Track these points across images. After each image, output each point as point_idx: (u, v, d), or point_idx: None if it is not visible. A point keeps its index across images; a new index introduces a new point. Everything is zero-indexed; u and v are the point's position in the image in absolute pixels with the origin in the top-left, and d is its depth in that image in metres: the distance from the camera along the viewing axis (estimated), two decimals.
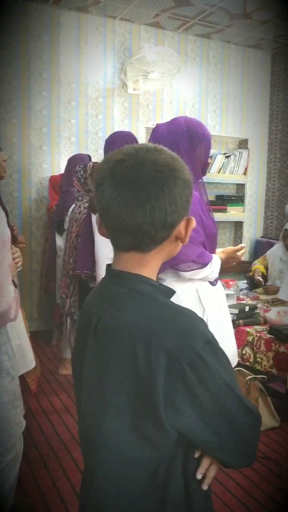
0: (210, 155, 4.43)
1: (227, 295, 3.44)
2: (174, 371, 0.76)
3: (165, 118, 4.52)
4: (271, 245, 4.47)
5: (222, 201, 4.84)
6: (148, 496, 0.82)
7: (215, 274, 1.81)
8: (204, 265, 1.73)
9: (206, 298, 1.82)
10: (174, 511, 0.84)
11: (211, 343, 0.80)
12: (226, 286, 3.52)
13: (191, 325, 0.79)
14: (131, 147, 0.82)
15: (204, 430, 0.79)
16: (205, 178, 5.10)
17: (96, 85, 4.35)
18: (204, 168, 1.84)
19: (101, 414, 0.82)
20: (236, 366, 2.90)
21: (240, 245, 1.95)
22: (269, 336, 2.79)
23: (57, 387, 3.21)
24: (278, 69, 5.02)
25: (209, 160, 1.87)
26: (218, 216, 4.74)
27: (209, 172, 4.68)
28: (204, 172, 1.85)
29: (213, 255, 1.80)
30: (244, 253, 1.99)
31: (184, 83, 4.70)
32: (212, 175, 4.69)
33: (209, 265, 1.75)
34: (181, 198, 0.80)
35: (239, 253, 1.93)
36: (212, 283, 1.86)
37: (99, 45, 4.32)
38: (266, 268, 4.34)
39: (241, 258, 1.98)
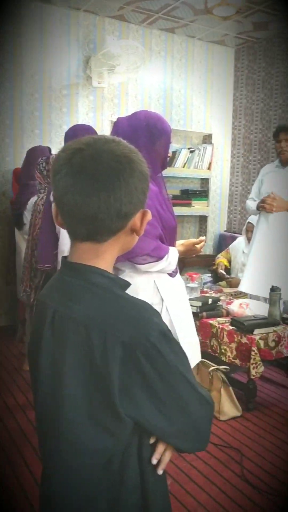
0: (175, 150, 4.43)
1: (191, 288, 3.49)
2: (130, 362, 0.77)
3: (130, 112, 4.48)
4: (234, 239, 4.56)
5: (186, 196, 4.88)
6: (105, 483, 0.84)
7: (172, 266, 1.84)
8: (159, 258, 1.76)
9: (164, 289, 1.85)
10: (130, 497, 0.86)
11: (166, 334, 0.82)
12: (190, 279, 3.57)
13: (146, 317, 0.81)
14: (90, 137, 0.83)
15: (160, 418, 0.82)
16: (170, 173, 5.16)
17: (60, 77, 4.30)
18: (163, 162, 1.86)
19: (57, 405, 0.82)
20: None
21: (199, 238, 1.98)
22: (231, 327, 2.85)
23: (21, 383, 3.18)
24: (241, 65, 5.09)
25: (169, 155, 1.89)
26: (182, 211, 4.79)
27: (173, 167, 4.72)
28: (163, 167, 1.87)
29: (170, 247, 1.83)
30: (203, 246, 2.02)
31: (149, 77, 4.71)
32: (177, 169, 4.72)
33: (165, 258, 1.78)
34: (137, 190, 0.81)
35: (198, 246, 1.96)
36: (171, 275, 1.89)
37: (63, 37, 4.27)
38: (229, 261, 4.42)
39: (201, 250, 2.02)
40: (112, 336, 0.77)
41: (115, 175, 0.78)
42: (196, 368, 2.96)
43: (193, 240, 1.97)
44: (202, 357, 2.90)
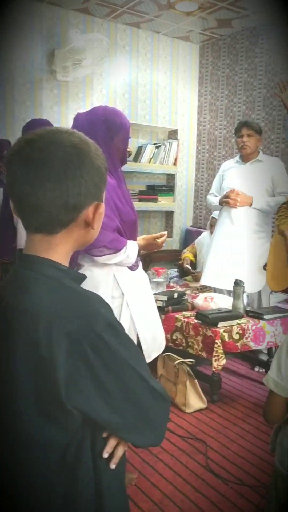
0: (140, 145, 4.44)
1: (157, 283, 3.51)
2: (76, 354, 0.77)
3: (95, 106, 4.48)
4: (200, 234, 4.60)
5: (153, 191, 4.89)
6: (60, 478, 0.83)
7: (131, 259, 1.85)
8: (117, 250, 1.77)
9: (124, 283, 1.86)
10: (85, 492, 0.85)
11: (113, 325, 0.81)
12: (156, 274, 3.59)
13: (93, 309, 0.81)
14: (44, 129, 0.84)
15: (108, 411, 0.81)
16: (136, 168, 5.14)
17: (23, 70, 4.22)
18: (123, 157, 1.88)
19: (7, 397, 0.81)
20: (165, 351, 2.98)
21: (160, 233, 1.99)
22: (196, 321, 2.88)
23: None
24: (206, 61, 5.13)
25: (129, 149, 1.90)
26: (149, 206, 4.80)
27: (139, 162, 4.72)
28: (123, 161, 1.89)
29: (129, 241, 1.84)
30: (164, 241, 2.02)
31: (114, 71, 4.68)
32: (143, 165, 4.72)
33: (123, 250, 1.79)
34: (87, 182, 0.81)
35: (159, 240, 1.97)
36: (132, 269, 1.90)
37: (26, 29, 4.19)
38: (195, 256, 4.46)
39: (163, 245, 2.03)
40: (58, 327, 0.76)
41: (62, 166, 0.78)
42: (162, 362, 2.99)
43: (154, 235, 1.99)
44: (169, 351, 2.95)
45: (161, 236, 1.98)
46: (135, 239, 1.92)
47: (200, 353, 2.81)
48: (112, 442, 0.88)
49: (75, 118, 1.85)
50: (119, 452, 0.89)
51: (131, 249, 1.83)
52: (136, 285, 1.91)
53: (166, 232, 2.03)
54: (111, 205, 1.71)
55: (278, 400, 1.26)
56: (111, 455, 0.88)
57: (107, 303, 0.85)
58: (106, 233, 1.72)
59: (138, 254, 1.95)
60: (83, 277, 0.88)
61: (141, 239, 1.96)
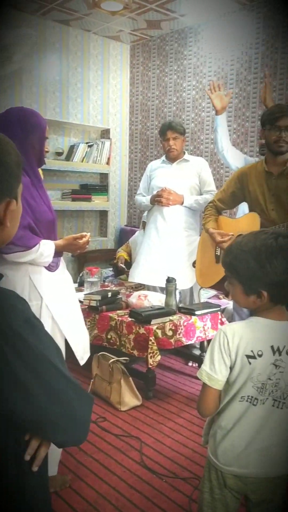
0: (72, 144, 4.40)
1: (91, 283, 3.50)
2: None
3: (25, 104, 4.38)
4: (134, 232, 4.63)
5: (86, 190, 4.86)
6: None
7: (46, 258, 1.83)
8: (27, 247, 1.75)
9: (42, 285, 1.83)
10: (9, 495, 0.82)
11: (32, 322, 0.80)
12: (90, 274, 3.57)
13: (9, 305, 0.78)
14: None
15: (30, 410, 0.79)
16: (69, 167, 5.08)
17: None
18: (40, 156, 1.88)
19: None
20: (100, 350, 2.97)
21: (80, 234, 1.96)
22: (130, 319, 2.90)
23: None
24: (137, 62, 5.17)
25: (46, 149, 1.91)
26: (83, 205, 4.77)
27: (72, 161, 4.67)
28: (40, 161, 1.89)
29: (44, 240, 1.82)
30: (87, 242, 1.98)
31: (44, 68, 4.60)
32: (75, 164, 4.68)
33: (35, 248, 1.77)
34: None
35: (80, 241, 1.95)
36: (50, 269, 1.88)
37: None
38: (130, 255, 4.49)
39: (86, 247, 1.99)
40: None
41: None
42: (97, 361, 2.98)
43: (74, 235, 1.96)
44: (103, 351, 2.94)
45: (82, 236, 1.95)
46: (55, 239, 1.90)
47: (131, 351, 2.83)
48: (33, 444, 0.86)
49: None
50: (42, 453, 0.87)
51: (45, 248, 1.80)
52: (55, 287, 1.88)
53: (88, 234, 1.98)
54: (22, 202, 1.70)
55: (211, 393, 1.29)
56: (34, 457, 0.86)
57: (24, 299, 0.83)
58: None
59: (59, 255, 1.93)
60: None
61: (62, 239, 1.94)
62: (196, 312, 2.99)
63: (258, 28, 3.99)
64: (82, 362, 2.03)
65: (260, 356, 1.24)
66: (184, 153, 3.59)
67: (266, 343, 1.26)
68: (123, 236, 5.16)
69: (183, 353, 3.63)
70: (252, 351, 1.25)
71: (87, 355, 2.05)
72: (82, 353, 2.00)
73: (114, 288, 3.69)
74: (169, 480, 2.15)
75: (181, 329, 2.89)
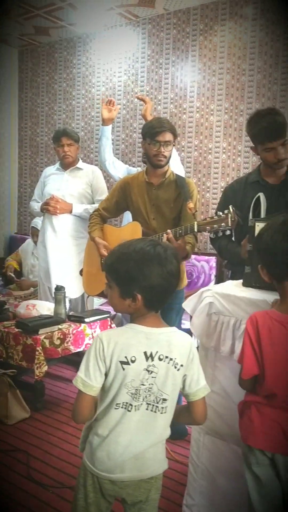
0: None
1: None
2: None
3: None
4: (25, 241, 4.53)
5: None
6: None
7: None
8: None
9: None
10: None
11: None
12: None
13: None
14: None
15: None
16: None
17: None
18: None
19: None
20: None
21: None
22: (17, 330, 2.84)
23: None
24: (25, 67, 5.08)
25: None
26: None
27: None
28: None
29: None
30: None
31: None
32: None
33: None
34: None
35: None
36: None
37: None
38: (20, 263, 4.39)
39: None
40: None
41: None
42: None
43: None
44: None
45: None
46: None
47: (20, 362, 2.77)
48: None
49: None
50: None
51: None
52: None
53: None
54: None
55: (86, 400, 1.30)
56: None
57: None
58: None
59: None
60: None
61: None
62: (86, 320, 3.01)
63: (144, 44, 4.15)
64: None
65: (133, 362, 1.29)
66: (78, 160, 3.57)
67: (139, 349, 1.31)
68: (13, 244, 5.02)
69: (73, 361, 3.62)
70: (126, 357, 1.29)
71: None
72: None
73: (1, 298, 3.57)
74: (56, 491, 2.14)
75: (70, 337, 2.89)
